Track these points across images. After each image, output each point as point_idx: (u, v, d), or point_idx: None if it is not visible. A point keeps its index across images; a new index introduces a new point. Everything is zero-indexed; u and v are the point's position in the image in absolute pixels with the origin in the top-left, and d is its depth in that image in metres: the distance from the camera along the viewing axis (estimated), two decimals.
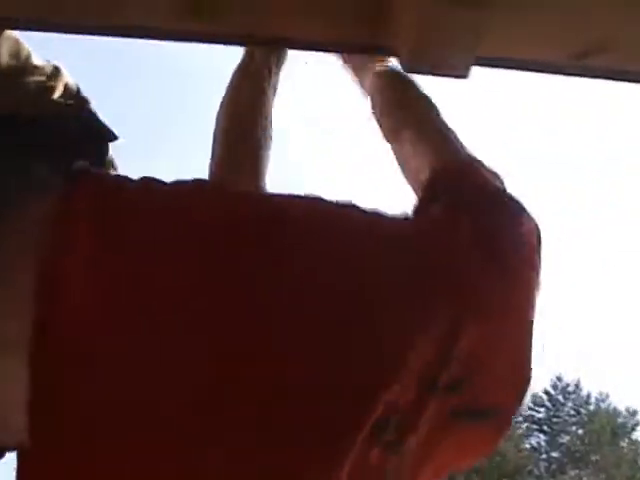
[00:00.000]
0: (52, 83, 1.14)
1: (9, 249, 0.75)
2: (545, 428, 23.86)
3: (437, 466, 0.89)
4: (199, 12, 0.93)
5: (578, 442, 23.08)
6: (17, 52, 1.11)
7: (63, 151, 0.94)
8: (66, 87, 1.15)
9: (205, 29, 0.96)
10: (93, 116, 1.06)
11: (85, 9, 0.94)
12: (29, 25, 1.00)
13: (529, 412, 23.97)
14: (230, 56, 1.17)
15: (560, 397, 24.10)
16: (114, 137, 1.03)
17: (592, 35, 1.03)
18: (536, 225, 0.94)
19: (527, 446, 22.98)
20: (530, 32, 1.02)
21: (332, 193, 0.86)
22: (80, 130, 1.05)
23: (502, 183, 0.98)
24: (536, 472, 22.39)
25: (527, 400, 23.97)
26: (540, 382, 24.88)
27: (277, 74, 1.16)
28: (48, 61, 1.16)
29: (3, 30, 1.01)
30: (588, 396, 23.91)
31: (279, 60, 1.15)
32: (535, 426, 23.95)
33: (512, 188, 0.98)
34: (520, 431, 22.92)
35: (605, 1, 0.98)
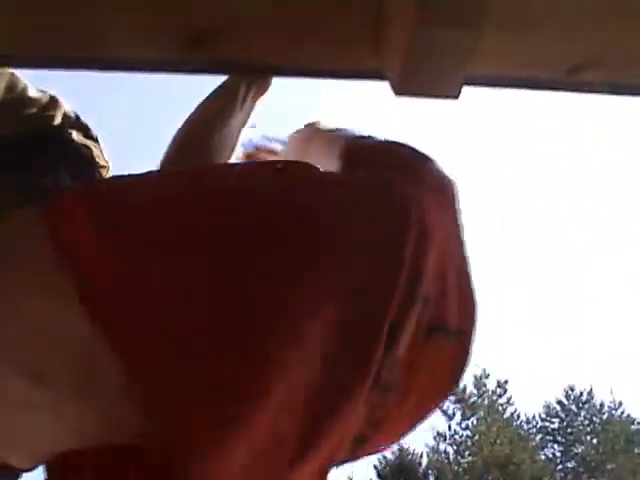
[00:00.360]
0: (51, 113, 1.15)
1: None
2: (559, 438, 23.67)
3: (418, 399, 0.93)
4: (196, 43, 0.93)
5: (593, 451, 22.89)
6: (13, 86, 1.12)
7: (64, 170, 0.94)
8: (64, 115, 1.16)
9: (198, 59, 0.97)
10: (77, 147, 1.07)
11: (73, 41, 0.94)
12: (23, 63, 1.00)
13: (543, 423, 23.81)
14: None
15: (573, 407, 23.94)
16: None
17: (584, 50, 1.03)
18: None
19: (542, 457, 22.80)
20: (520, 50, 1.02)
21: None
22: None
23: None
24: None
25: (540, 411, 23.87)
26: (553, 392, 24.77)
27: (254, 100, 1.16)
28: (44, 92, 1.17)
29: None
30: (601, 405, 23.75)
31: (260, 87, 1.16)
32: (549, 437, 23.78)
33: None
34: (534, 442, 22.77)
35: (596, 16, 0.98)
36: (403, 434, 0.98)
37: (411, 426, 0.97)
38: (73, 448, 0.76)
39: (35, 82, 1.16)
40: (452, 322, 0.93)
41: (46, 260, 0.77)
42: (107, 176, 1.19)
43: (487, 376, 23.13)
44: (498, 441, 21.11)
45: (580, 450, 23.28)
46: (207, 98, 1.15)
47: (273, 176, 0.89)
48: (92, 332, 0.74)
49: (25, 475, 0.84)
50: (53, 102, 1.16)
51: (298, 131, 1.21)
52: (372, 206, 0.87)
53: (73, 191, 0.87)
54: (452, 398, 22.87)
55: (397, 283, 0.82)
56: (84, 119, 1.20)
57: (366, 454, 0.97)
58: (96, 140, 1.20)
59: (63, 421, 0.76)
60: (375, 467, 20.63)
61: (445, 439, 22.51)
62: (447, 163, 0.97)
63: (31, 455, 0.80)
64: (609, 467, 22.11)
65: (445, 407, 22.81)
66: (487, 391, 23.10)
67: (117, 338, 0.74)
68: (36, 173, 0.94)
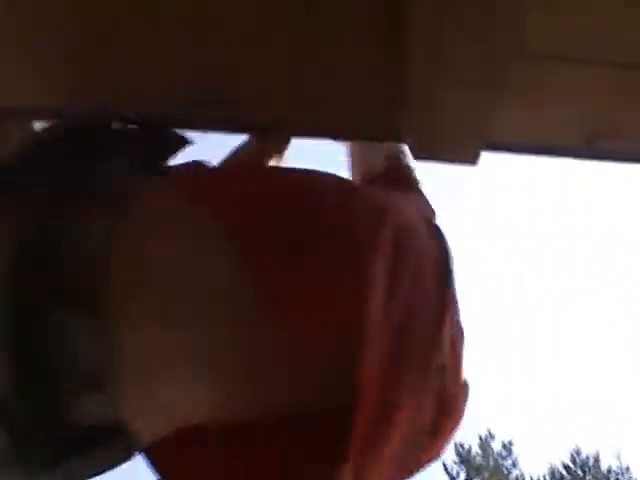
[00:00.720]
0: None
1: None
2: None
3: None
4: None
5: None
6: None
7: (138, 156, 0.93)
8: None
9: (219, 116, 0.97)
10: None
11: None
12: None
13: None
14: None
15: (579, 471, 23.51)
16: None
17: (602, 117, 1.03)
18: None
19: None
20: (539, 115, 1.01)
21: None
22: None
23: None
24: None
25: (546, 473, 23.42)
26: (559, 456, 24.37)
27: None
28: None
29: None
30: (608, 470, 23.32)
31: (279, 147, 1.17)
32: None
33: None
34: None
35: (613, 82, 0.98)
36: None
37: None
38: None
39: None
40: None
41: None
42: None
43: (492, 437, 22.82)
44: None
45: None
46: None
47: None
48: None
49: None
50: None
51: None
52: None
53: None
54: (456, 458, 22.54)
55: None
56: None
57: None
58: None
59: (217, 386, 0.77)
60: None
61: None
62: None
63: (164, 424, 0.78)
64: None
65: (449, 467, 22.47)
66: (492, 452, 22.76)
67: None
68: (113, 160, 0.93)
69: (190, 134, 0.97)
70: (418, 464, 0.93)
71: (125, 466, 0.80)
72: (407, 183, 1.12)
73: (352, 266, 0.79)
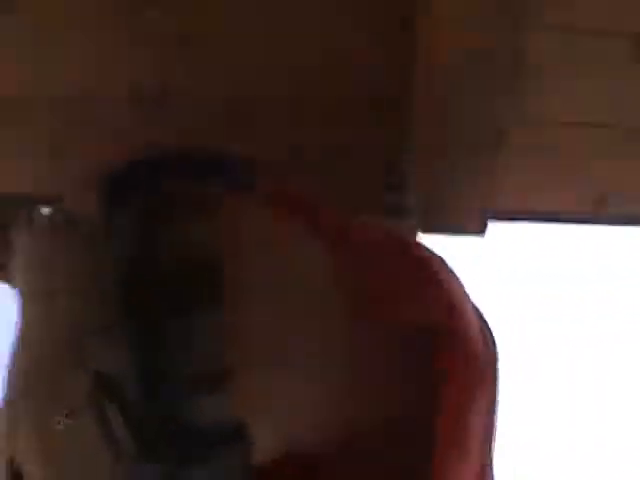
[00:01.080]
0: None
1: None
2: None
3: None
4: None
5: None
6: None
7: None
8: None
9: None
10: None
11: None
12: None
13: None
14: None
15: None
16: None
17: (608, 180, 1.02)
18: None
19: None
20: (544, 179, 1.01)
21: None
22: None
23: None
24: None
25: None
26: None
27: None
28: None
29: None
30: None
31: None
32: None
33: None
34: None
35: (612, 148, 0.98)
36: None
37: None
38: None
39: None
40: None
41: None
42: None
43: None
44: None
45: None
46: None
47: None
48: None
49: None
50: None
51: None
52: None
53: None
54: None
55: None
56: None
57: None
58: None
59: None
60: None
61: None
62: None
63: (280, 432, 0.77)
64: None
65: None
66: None
67: None
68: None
69: None
70: None
71: None
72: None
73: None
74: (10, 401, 0.74)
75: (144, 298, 0.75)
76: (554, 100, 0.87)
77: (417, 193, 0.88)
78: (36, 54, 0.86)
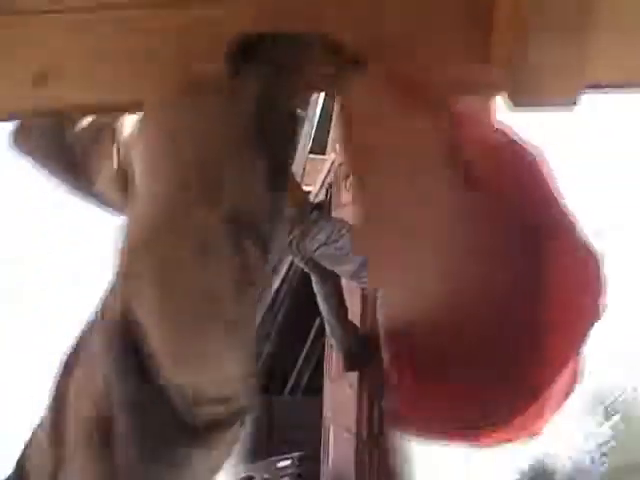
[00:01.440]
0: None
1: None
2: None
3: None
4: None
5: None
6: None
7: None
8: None
9: None
10: None
11: None
12: None
13: None
14: None
15: None
16: None
17: None
18: None
19: None
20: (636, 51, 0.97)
21: None
22: None
23: None
24: None
25: None
26: None
27: None
28: None
29: None
30: None
31: None
32: None
33: None
34: None
35: None
36: None
37: None
38: None
39: None
40: None
41: None
42: None
43: None
44: None
45: None
46: None
47: None
48: None
49: None
50: None
51: None
52: None
53: None
54: None
55: None
56: None
57: None
58: None
59: None
60: None
61: None
62: None
63: None
64: None
65: None
66: None
67: None
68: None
69: None
70: None
71: None
72: None
73: None
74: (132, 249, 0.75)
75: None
76: None
77: (507, 67, 0.87)
78: None
